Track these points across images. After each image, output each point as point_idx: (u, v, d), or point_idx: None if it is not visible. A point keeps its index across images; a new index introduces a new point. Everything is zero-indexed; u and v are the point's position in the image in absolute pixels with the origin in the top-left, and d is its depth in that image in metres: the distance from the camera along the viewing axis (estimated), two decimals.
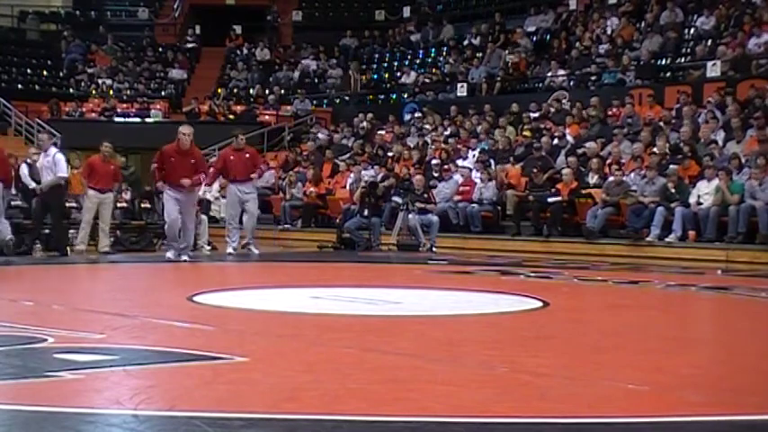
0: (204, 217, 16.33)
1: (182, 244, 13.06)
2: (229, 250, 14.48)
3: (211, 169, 15.08)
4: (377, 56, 28.29)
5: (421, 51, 27.46)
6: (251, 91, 28.00)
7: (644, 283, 10.56)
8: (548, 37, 24.54)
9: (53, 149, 14.17)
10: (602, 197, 15.78)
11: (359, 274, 9.18)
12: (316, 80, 28.16)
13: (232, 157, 14.61)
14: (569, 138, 18.78)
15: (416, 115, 23.53)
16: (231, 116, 26.43)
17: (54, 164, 13.70)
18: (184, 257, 12.99)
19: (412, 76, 25.89)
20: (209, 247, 15.86)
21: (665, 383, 4.59)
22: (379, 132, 22.96)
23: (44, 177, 13.67)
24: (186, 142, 12.73)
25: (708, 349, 6.27)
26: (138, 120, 26.13)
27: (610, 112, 19.53)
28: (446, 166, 18.68)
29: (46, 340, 5.57)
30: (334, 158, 21.78)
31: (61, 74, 28.85)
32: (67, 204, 15.93)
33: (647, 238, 15.06)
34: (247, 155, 14.72)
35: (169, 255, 13.09)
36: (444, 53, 26.38)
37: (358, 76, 26.86)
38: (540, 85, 22.77)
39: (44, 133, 15.54)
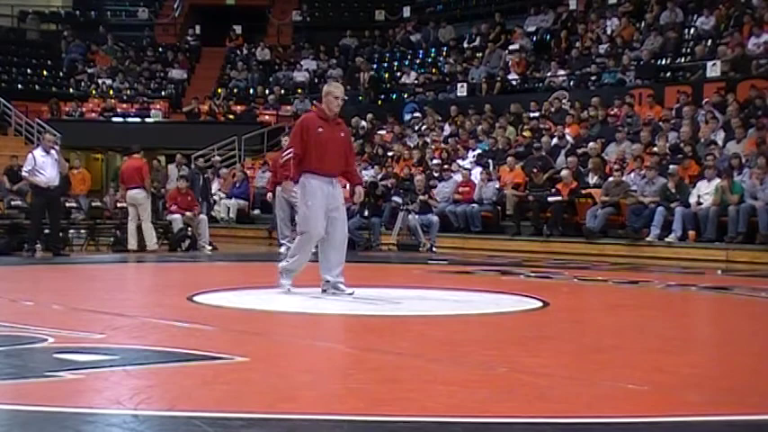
0: (204, 217, 16.36)
1: (335, 268, 8.22)
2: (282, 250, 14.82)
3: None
4: (377, 56, 28.29)
5: (421, 51, 27.46)
6: (251, 91, 28.00)
7: (644, 283, 10.56)
8: (548, 37, 24.54)
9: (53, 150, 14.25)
10: (601, 197, 15.78)
11: (359, 274, 9.18)
12: (316, 80, 28.17)
13: None
14: (569, 138, 18.79)
15: (416, 115, 23.53)
16: (231, 116, 26.44)
17: (59, 161, 13.86)
18: (349, 289, 8.19)
19: (412, 76, 25.89)
20: (209, 248, 15.88)
21: (665, 383, 4.59)
22: (379, 132, 22.97)
23: (50, 175, 13.70)
24: (337, 108, 8.39)
25: (708, 349, 6.26)
26: (137, 120, 26.13)
27: (610, 112, 19.53)
28: (446, 166, 18.70)
29: (46, 340, 5.57)
30: None
31: (61, 74, 28.87)
32: (67, 204, 16.01)
33: (647, 238, 15.07)
34: None
35: (285, 281, 8.34)
36: (444, 53, 26.38)
37: (366, 75, 26.80)
38: (540, 85, 22.77)
39: (49, 133, 15.61)
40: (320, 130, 8.19)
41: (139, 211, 15.19)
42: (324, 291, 8.21)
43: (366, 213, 16.62)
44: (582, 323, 7.34)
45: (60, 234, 14.60)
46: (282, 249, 15.03)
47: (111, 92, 27.44)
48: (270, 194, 15.98)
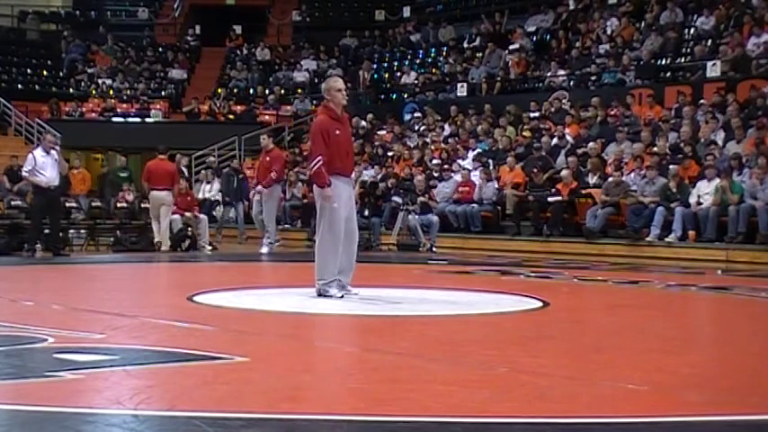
0: (204, 217, 16.38)
1: (348, 272, 8.27)
2: (264, 249, 15.41)
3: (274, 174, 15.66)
4: (377, 56, 28.29)
5: (421, 51, 27.45)
6: (251, 91, 28.00)
7: (644, 283, 10.56)
8: (548, 37, 24.53)
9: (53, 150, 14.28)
10: (601, 197, 15.78)
11: (359, 274, 9.17)
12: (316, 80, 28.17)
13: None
14: (569, 138, 18.79)
15: (416, 115, 23.54)
16: (231, 116, 26.43)
17: (59, 162, 13.89)
18: (354, 290, 8.22)
19: (412, 76, 25.89)
20: (209, 248, 15.90)
21: (665, 383, 4.59)
22: (379, 132, 22.96)
23: (51, 175, 13.71)
24: (344, 100, 8.29)
25: (708, 349, 6.27)
26: (137, 120, 26.13)
27: (610, 112, 19.52)
28: (446, 166, 18.69)
29: (46, 340, 5.57)
30: None
31: (61, 74, 28.86)
32: (67, 204, 16.02)
33: (647, 238, 15.06)
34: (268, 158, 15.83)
35: (334, 291, 8.07)
36: (444, 53, 26.37)
37: (367, 75, 26.79)
38: (540, 85, 22.77)
39: (50, 134, 15.64)
40: (338, 132, 8.09)
41: (163, 212, 15.60)
42: (319, 294, 8.11)
43: (366, 213, 16.62)
44: (582, 323, 7.35)
45: (60, 234, 14.60)
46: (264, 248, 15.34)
47: (111, 92, 27.43)
48: (258, 194, 16.07)
